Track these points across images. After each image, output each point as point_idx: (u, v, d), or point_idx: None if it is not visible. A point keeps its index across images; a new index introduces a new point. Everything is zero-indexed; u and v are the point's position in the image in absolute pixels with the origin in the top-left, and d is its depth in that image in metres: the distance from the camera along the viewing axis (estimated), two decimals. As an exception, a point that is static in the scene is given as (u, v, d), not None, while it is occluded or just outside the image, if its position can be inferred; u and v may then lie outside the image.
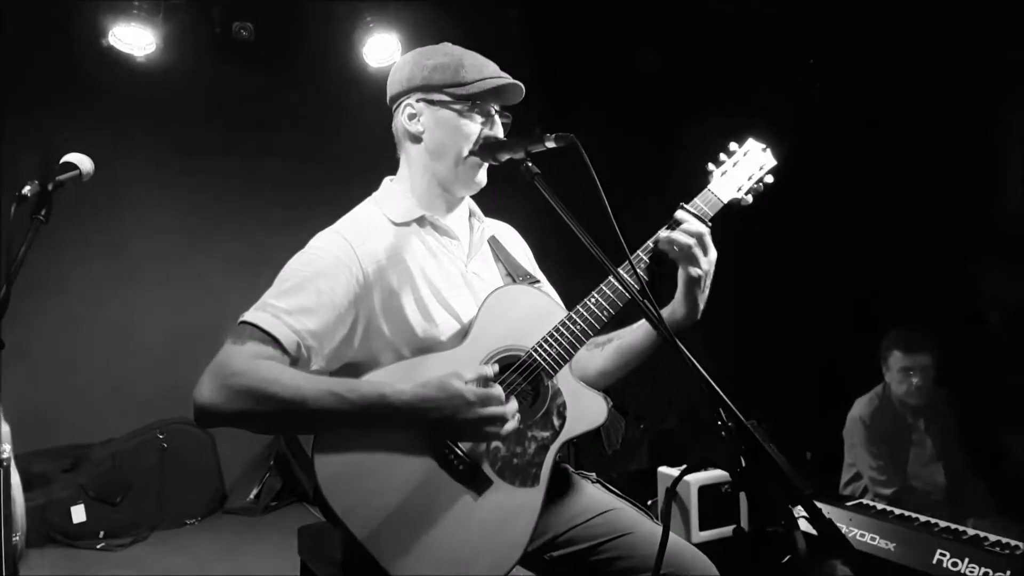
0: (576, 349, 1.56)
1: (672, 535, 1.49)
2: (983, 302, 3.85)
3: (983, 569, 2.16)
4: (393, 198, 1.69)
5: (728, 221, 1.70)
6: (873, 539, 2.41)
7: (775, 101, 4.16)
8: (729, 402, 1.16)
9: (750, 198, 1.71)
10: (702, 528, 2.62)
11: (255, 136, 4.63)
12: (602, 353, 1.75)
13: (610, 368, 1.73)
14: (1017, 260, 3.65)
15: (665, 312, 1.64)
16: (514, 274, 1.75)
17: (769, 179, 1.72)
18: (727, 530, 2.63)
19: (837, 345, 4.15)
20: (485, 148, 1.62)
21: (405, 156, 1.72)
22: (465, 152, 1.63)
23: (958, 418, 3.30)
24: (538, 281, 1.80)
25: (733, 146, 1.73)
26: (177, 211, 4.60)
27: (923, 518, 2.47)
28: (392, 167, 1.76)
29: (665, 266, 1.63)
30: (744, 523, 1.20)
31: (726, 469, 1.23)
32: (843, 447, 3.33)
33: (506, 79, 1.65)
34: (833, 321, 4.20)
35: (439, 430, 1.44)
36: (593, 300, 1.59)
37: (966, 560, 2.20)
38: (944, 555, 2.24)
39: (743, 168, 1.71)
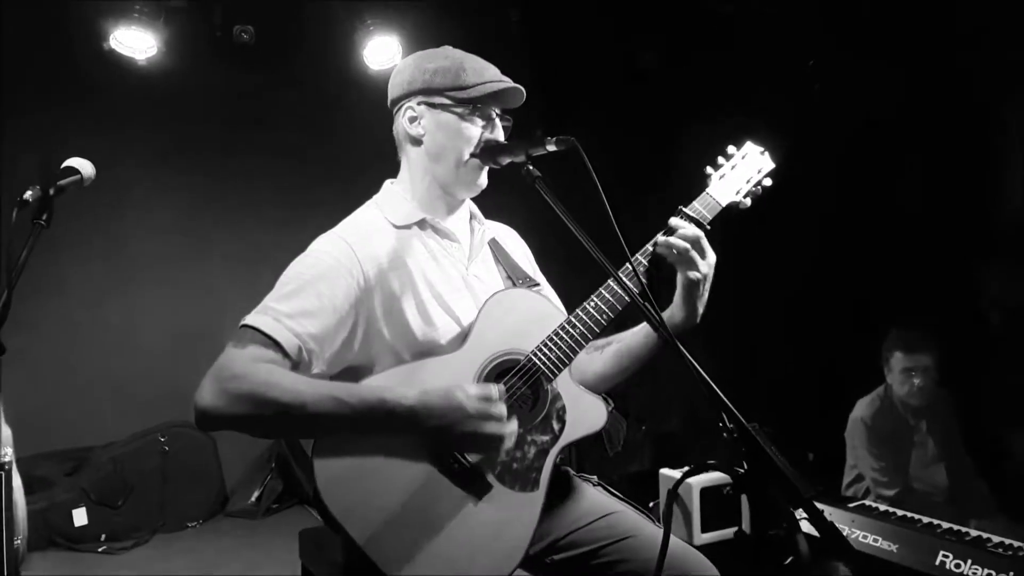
0: (575, 353, 1.56)
1: (673, 538, 1.49)
2: (983, 302, 3.85)
3: (986, 571, 2.16)
4: (394, 201, 1.69)
5: (727, 222, 1.70)
6: (875, 540, 2.41)
7: (775, 101, 4.16)
8: (730, 405, 1.16)
9: (748, 201, 1.71)
10: (704, 530, 2.61)
11: (255, 138, 4.63)
12: (601, 357, 1.75)
13: (609, 372, 1.73)
14: (1017, 260, 3.64)
15: (663, 316, 1.64)
16: (514, 277, 1.75)
17: (767, 182, 1.72)
18: (729, 532, 2.62)
19: (837, 346, 4.14)
20: (486, 151, 1.62)
21: (406, 159, 1.72)
22: (466, 155, 1.63)
23: (960, 419, 3.30)
24: (538, 284, 1.80)
25: (731, 149, 1.73)
26: (177, 213, 4.61)
27: (926, 519, 2.47)
28: (392, 169, 1.77)
29: (664, 270, 1.63)
30: (746, 525, 1.20)
31: (728, 472, 1.23)
32: (844, 448, 3.33)
33: (507, 83, 1.65)
34: (833, 322, 4.20)
35: (437, 438, 1.44)
36: (592, 304, 1.59)
37: (969, 562, 2.19)
38: (947, 556, 2.24)
39: (741, 171, 1.71)
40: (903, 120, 3.96)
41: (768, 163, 1.73)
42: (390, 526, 1.41)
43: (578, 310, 1.59)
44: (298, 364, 1.46)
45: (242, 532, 4.25)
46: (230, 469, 4.57)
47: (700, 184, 1.70)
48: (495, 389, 1.44)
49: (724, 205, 1.68)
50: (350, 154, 4.41)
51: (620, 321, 1.64)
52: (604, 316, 1.58)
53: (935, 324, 3.31)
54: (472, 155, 1.63)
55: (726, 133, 1.80)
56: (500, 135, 1.68)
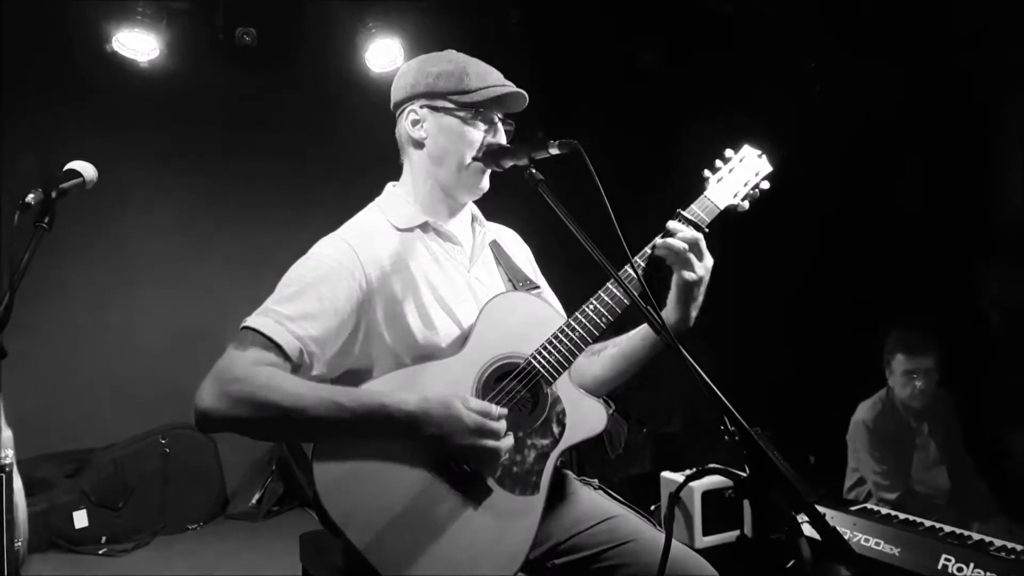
0: (575, 356, 1.56)
1: (675, 541, 1.49)
2: (983, 302, 3.85)
3: (989, 574, 2.15)
4: (396, 203, 1.69)
5: (727, 222, 1.70)
6: (877, 544, 2.40)
7: (775, 101, 4.17)
8: (732, 408, 1.16)
9: (746, 204, 1.71)
10: (705, 534, 2.61)
11: (257, 140, 4.64)
12: (598, 360, 1.75)
13: (606, 375, 1.73)
14: (1017, 260, 3.64)
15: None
16: (515, 279, 1.75)
17: (765, 185, 1.72)
18: (731, 535, 2.62)
19: (837, 346, 4.14)
20: (489, 154, 1.62)
21: (408, 162, 1.72)
22: (468, 159, 1.64)
23: (961, 421, 3.29)
24: (538, 287, 1.80)
25: (729, 152, 1.73)
26: (179, 214, 4.61)
27: (928, 523, 2.46)
28: (394, 171, 1.77)
29: (662, 272, 1.63)
30: (748, 529, 1.20)
31: (730, 476, 1.23)
32: (845, 450, 3.32)
33: (510, 87, 1.65)
34: (833, 322, 4.20)
35: (435, 445, 1.44)
36: (591, 307, 1.58)
37: (971, 565, 2.19)
38: (949, 560, 2.23)
39: (739, 174, 1.71)
40: (903, 120, 3.96)
41: (766, 166, 1.74)
42: (390, 530, 1.41)
43: (577, 313, 1.59)
44: (299, 367, 1.47)
45: (243, 534, 4.24)
46: (231, 471, 4.57)
47: (700, 185, 1.70)
48: (496, 408, 1.45)
49: (722, 208, 1.68)
50: (351, 156, 4.42)
51: (619, 324, 1.64)
52: (603, 319, 1.58)
53: (935, 324, 3.31)
54: (474, 158, 1.64)
55: (726, 133, 1.80)
56: (502, 139, 1.68)
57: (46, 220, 1.61)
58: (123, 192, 4.26)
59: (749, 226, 1.81)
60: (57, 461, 4.18)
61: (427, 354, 1.55)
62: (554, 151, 1.44)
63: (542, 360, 1.55)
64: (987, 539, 2.32)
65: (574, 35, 4.61)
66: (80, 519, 3.97)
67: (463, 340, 1.57)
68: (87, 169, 1.71)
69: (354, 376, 1.56)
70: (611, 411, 1.64)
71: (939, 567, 2.25)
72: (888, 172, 4.07)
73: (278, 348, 1.43)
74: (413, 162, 1.70)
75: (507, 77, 1.69)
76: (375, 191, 1.75)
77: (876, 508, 2.69)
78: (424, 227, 1.67)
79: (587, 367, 1.75)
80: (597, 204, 1.32)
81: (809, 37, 4.17)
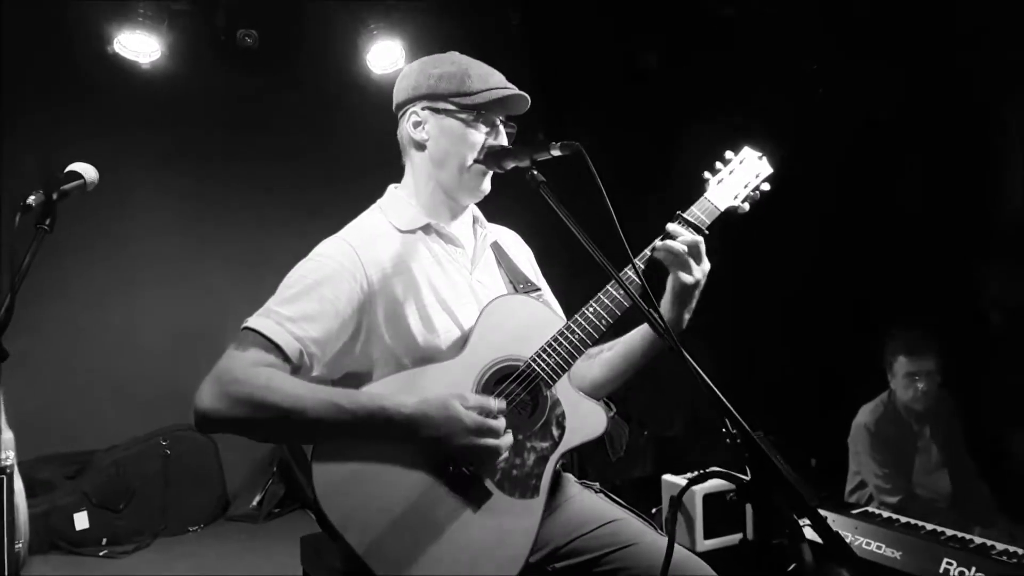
0: (575, 358, 1.56)
1: (676, 545, 1.48)
2: (984, 303, 3.84)
3: (990, 578, 2.15)
4: (398, 205, 1.69)
5: (726, 223, 1.70)
6: (879, 547, 2.40)
7: (775, 102, 4.17)
8: (735, 412, 1.15)
9: (747, 206, 1.71)
10: (707, 537, 2.60)
11: (258, 141, 4.64)
12: (596, 363, 1.75)
13: (604, 378, 1.73)
14: (1017, 260, 3.64)
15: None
16: (516, 282, 1.75)
17: (766, 187, 1.72)
18: (732, 539, 2.61)
19: (837, 347, 4.14)
20: (491, 156, 1.62)
21: (410, 163, 1.72)
22: (469, 161, 1.63)
23: (963, 424, 3.28)
24: (539, 289, 1.80)
25: (729, 154, 1.73)
26: (180, 215, 4.62)
27: (929, 526, 2.46)
28: (396, 173, 1.76)
29: (659, 274, 1.63)
30: (749, 533, 1.19)
31: (732, 480, 1.23)
32: (846, 452, 3.32)
33: (512, 90, 1.65)
34: (833, 323, 4.19)
35: (435, 448, 1.44)
36: (591, 309, 1.58)
37: (973, 569, 2.18)
38: (951, 564, 2.23)
39: (739, 176, 1.71)
40: (903, 120, 3.96)
41: (766, 168, 1.73)
42: (389, 533, 1.41)
43: (577, 316, 1.58)
44: (299, 368, 1.46)
45: (244, 536, 4.24)
46: (232, 473, 4.57)
47: (700, 186, 1.70)
48: (494, 402, 1.45)
49: (722, 210, 1.68)
50: (353, 158, 4.42)
51: (619, 326, 1.63)
52: (603, 321, 1.57)
53: (935, 325, 3.30)
54: (476, 160, 1.63)
55: (726, 134, 1.80)
56: (504, 141, 1.68)
57: (47, 222, 1.61)
58: (124, 193, 4.27)
59: (749, 226, 1.80)
60: (58, 463, 4.18)
61: (427, 356, 1.55)
62: (556, 152, 1.44)
63: (542, 363, 1.54)
64: (989, 543, 2.31)
65: (574, 36, 4.62)
66: (81, 521, 3.97)
67: (463, 342, 1.56)
68: (88, 171, 1.71)
69: (354, 378, 1.56)
70: (612, 414, 1.64)
71: (941, 571, 2.25)
72: (888, 172, 4.07)
73: (278, 349, 1.43)
74: (415, 164, 1.70)
75: (507, 78, 1.69)
76: (377, 193, 1.75)
77: (877, 511, 2.68)
78: (426, 229, 1.67)
79: (585, 370, 1.75)
80: (597, 205, 1.32)
81: (809, 37, 4.17)
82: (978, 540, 2.33)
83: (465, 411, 1.41)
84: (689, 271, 1.59)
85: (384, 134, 1.80)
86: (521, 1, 4.55)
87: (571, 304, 1.69)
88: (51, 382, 4.17)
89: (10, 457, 2.54)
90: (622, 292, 1.56)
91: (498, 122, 1.67)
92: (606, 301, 1.58)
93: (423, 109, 1.65)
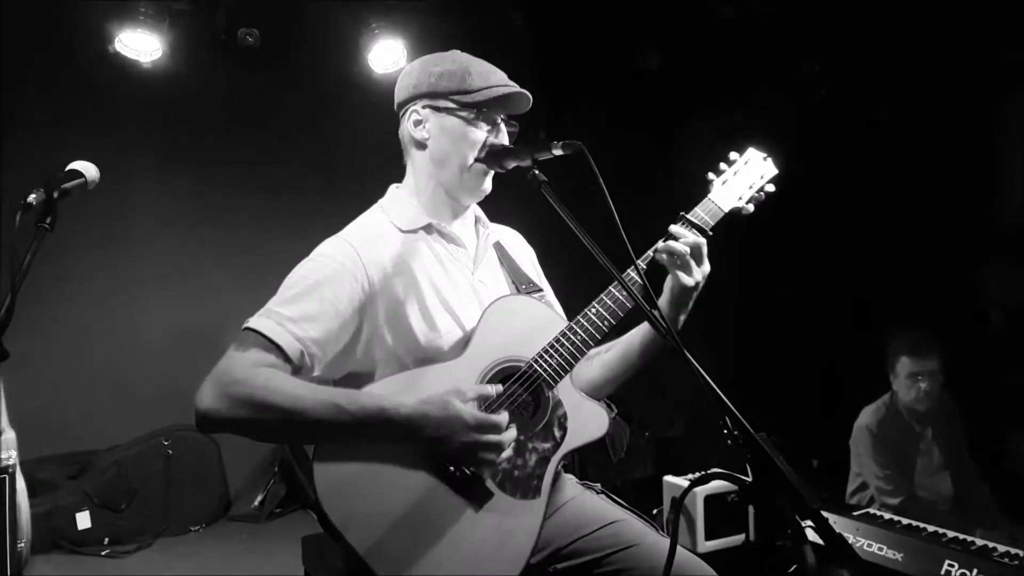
0: (577, 360, 1.56)
1: (677, 546, 1.48)
2: (984, 303, 3.84)
3: (992, 580, 2.14)
4: (399, 205, 1.69)
5: (727, 224, 1.69)
6: (880, 549, 2.39)
7: (775, 102, 4.17)
8: (738, 413, 1.15)
9: (751, 207, 1.70)
10: (708, 538, 2.59)
11: (259, 141, 4.64)
12: (595, 364, 1.74)
13: (604, 379, 1.72)
14: (1018, 260, 3.63)
15: (646, 324, 1.63)
16: (517, 282, 1.75)
17: (770, 188, 1.71)
18: (733, 540, 2.60)
19: (838, 348, 4.13)
20: (492, 155, 1.62)
21: (411, 163, 1.72)
22: (470, 160, 1.63)
23: (964, 426, 3.27)
24: (541, 290, 1.79)
25: (733, 155, 1.72)
26: (181, 215, 4.62)
27: (931, 528, 2.45)
28: (397, 172, 1.76)
29: (662, 276, 1.63)
30: (751, 534, 1.19)
31: (734, 481, 1.22)
32: (847, 453, 3.31)
33: (512, 88, 1.64)
34: (834, 323, 4.19)
35: (435, 447, 1.43)
36: (594, 310, 1.58)
37: (975, 571, 2.18)
38: (953, 566, 2.22)
39: (743, 177, 1.70)
40: (903, 120, 3.96)
41: (771, 169, 1.72)
42: (390, 534, 1.40)
43: (580, 316, 1.58)
44: (300, 368, 1.46)
45: (245, 536, 4.24)
46: (233, 473, 4.57)
47: (701, 185, 1.69)
48: (493, 389, 1.45)
49: (726, 211, 1.67)
50: (354, 157, 4.42)
51: (620, 328, 1.63)
52: (606, 322, 1.57)
53: (935, 325, 3.30)
54: (477, 159, 1.63)
55: (726, 134, 1.80)
56: (505, 140, 1.67)
57: (48, 220, 1.60)
58: (125, 192, 4.27)
59: (749, 227, 1.80)
60: (60, 462, 4.18)
61: (429, 356, 1.54)
62: (558, 152, 1.43)
63: (544, 364, 1.54)
64: (990, 545, 2.31)
65: (574, 36, 4.61)
66: (83, 520, 3.97)
67: (465, 343, 1.56)
68: (89, 169, 1.70)
69: (356, 378, 1.55)
70: (613, 415, 1.63)
71: (942, 572, 2.24)
72: (888, 172, 4.07)
73: (279, 350, 1.43)
74: (416, 163, 1.70)
75: (508, 77, 1.68)
76: (378, 193, 1.75)
77: (879, 513, 2.67)
78: (428, 228, 1.66)
79: (584, 371, 1.74)
80: (598, 205, 1.32)
81: (809, 37, 4.16)
82: (980, 542, 2.33)
83: (465, 408, 1.40)
84: (689, 273, 1.58)
85: (385, 134, 1.80)
86: (522, 1, 4.55)
87: (572, 304, 1.68)
88: (51, 382, 4.17)
89: (12, 456, 2.54)
90: (625, 293, 1.55)
91: (499, 120, 1.66)
92: (609, 302, 1.57)
93: (424, 108, 1.65)
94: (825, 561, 1.12)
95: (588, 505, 1.70)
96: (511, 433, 1.45)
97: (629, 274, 1.50)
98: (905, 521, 2.52)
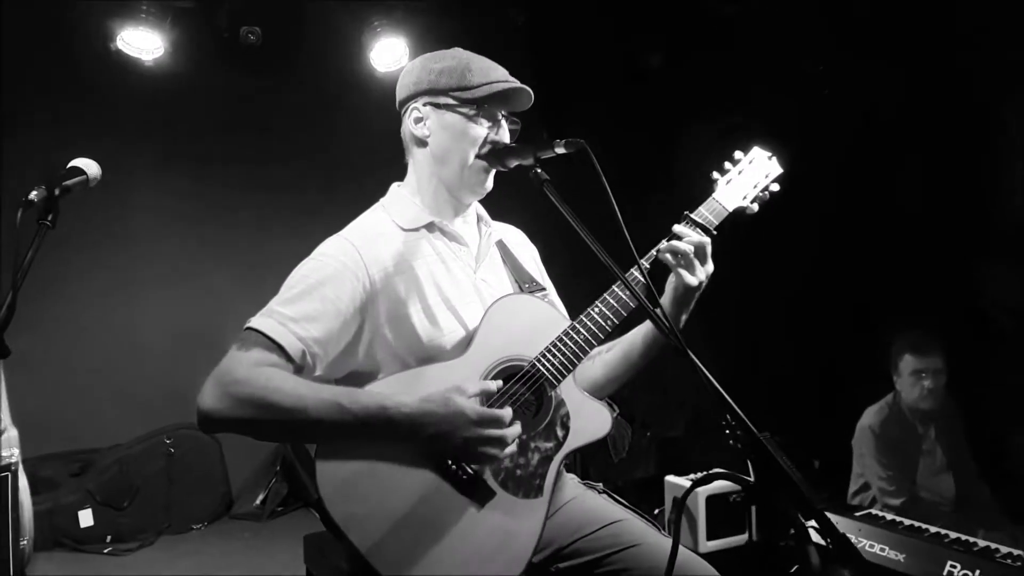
0: (580, 359, 1.55)
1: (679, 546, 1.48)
2: (986, 304, 3.83)
3: (995, 581, 2.13)
4: (401, 204, 1.68)
5: (735, 224, 1.69)
6: (883, 550, 2.38)
7: (775, 102, 4.16)
8: (741, 414, 1.15)
9: (756, 207, 1.70)
10: (710, 538, 2.58)
11: (261, 139, 4.64)
12: (596, 363, 1.74)
13: (605, 378, 1.72)
14: (1018, 260, 3.62)
15: (647, 323, 1.63)
16: (520, 281, 1.74)
17: (775, 187, 1.71)
18: (734, 540, 2.60)
19: (839, 347, 4.13)
20: (493, 154, 1.61)
21: (412, 161, 1.71)
22: (471, 156, 1.62)
23: (966, 426, 3.27)
24: (543, 289, 1.79)
25: (738, 154, 1.72)
26: (183, 214, 4.62)
27: (933, 529, 2.44)
28: (399, 171, 1.76)
29: (665, 276, 1.62)
30: (753, 534, 1.19)
31: (736, 481, 1.22)
32: (849, 453, 3.30)
33: (513, 83, 1.64)
34: (835, 323, 4.18)
35: (438, 445, 1.43)
36: (597, 310, 1.57)
37: (977, 572, 2.17)
38: (955, 567, 2.21)
39: (748, 176, 1.70)
40: (903, 120, 3.95)
41: (776, 168, 1.72)
42: (393, 534, 1.40)
43: (583, 316, 1.58)
44: (301, 368, 1.46)
45: (247, 535, 4.24)
46: (235, 472, 4.57)
47: (701, 185, 1.69)
48: (494, 385, 1.45)
49: (730, 210, 1.67)
50: (354, 157, 4.42)
51: (622, 327, 1.62)
52: (609, 322, 1.57)
53: (936, 325, 3.29)
54: (478, 156, 1.62)
55: (727, 134, 1.79)
56: (506, 136, 1.67)
57: (49, 217, 1.60)
58: (125, 192, 4.27)
59: (750, 227, 1.80)
60: (62, 460, 4.19)
61: (431, 355, 1.54)
62: (560, 150, 1.43)
63: (547, 363, 1.54)
64: (993, 546, 2.30)
65: (575, 35, 4.61)
66: (85, 518, 3.98)
67: (467, 342, 1.55)
68: (90, 166, 1.70)
69: (358, 377, 1.55)
70: (615, 414, 1.63)
71: (944, 573, 2.23)
72: (888, 172, 4.07)
73: (280, 349, 1.43)
74: (417, 161, 1.69)
75: (509, 75, 1.68)
76: (379, 192, 1.74)
77: (881, 514, 2.67)
78: (430, 227, 1.66)
79: (586, 370, 1.74)
80: (600, 204, 1.31)
81: (809, 37, 4.16)
82: (982, 543, 2.32)
83: (467, 403, 1.40)
84: (693, 272, 1.58)
85: (387, 133, 1.80)
86: (523, 1, 4.54)
87: (573, 303, 1.68)
88: (52, 380, 4.17)
89: (14, 454, 2.55)
90: (628, 293, 1.55)
91: (500, 117, 1.65)
92: (612, 302, 1.57)
93: (424, 105, 1.64)
94: (829, 561, 1.12)
95: (589, 505, 1.70)
96: (515, 428, 1.44)
97: (632, 273, 1.49)
98: (907, 522, 2.52)
